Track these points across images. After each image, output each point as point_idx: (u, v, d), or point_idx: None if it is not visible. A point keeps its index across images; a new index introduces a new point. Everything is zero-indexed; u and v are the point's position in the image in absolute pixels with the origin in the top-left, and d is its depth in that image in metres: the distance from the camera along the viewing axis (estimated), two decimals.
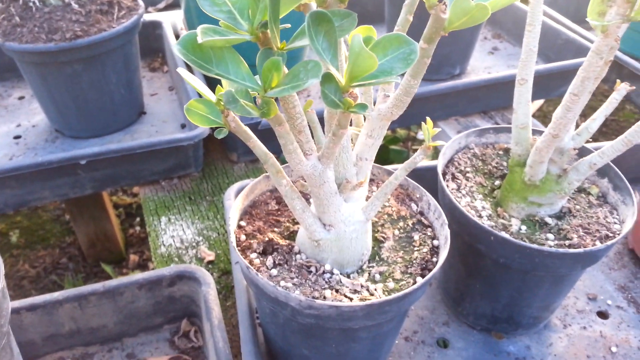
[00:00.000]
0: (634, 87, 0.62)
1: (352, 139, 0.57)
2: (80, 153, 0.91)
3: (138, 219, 1.72)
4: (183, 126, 1.12)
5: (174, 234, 0.90)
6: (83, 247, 1.55)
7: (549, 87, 1.20)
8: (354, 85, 0.40)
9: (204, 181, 1.02)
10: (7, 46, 0.94)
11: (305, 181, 0.53)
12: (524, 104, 0.63)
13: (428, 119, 0.52)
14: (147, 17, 1.31)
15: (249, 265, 0.53)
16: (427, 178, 0.73)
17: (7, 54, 0.98)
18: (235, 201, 0.60)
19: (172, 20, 1.37)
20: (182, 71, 0.47)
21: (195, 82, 0.46)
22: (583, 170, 0.61)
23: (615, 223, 0.64)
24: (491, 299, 0.68)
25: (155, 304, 0.69)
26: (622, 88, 0.59)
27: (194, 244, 0.88)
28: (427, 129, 0.51)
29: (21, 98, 1.24)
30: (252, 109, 0.41)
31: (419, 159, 0.52)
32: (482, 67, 1.36)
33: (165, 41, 1.27)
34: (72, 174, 0.94)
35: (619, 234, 0.61)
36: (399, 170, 0.54)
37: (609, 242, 0.58)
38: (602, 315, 0.77)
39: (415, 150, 1.96)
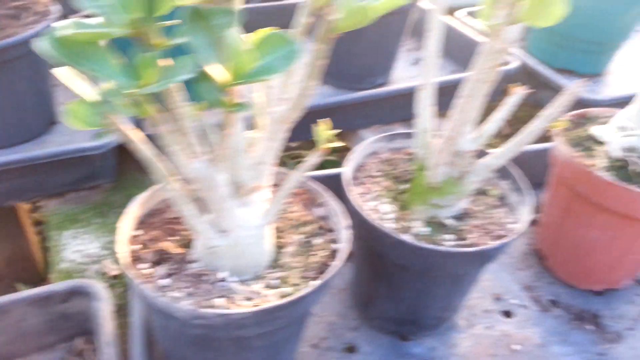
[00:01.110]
0: (534, 91, 0.64)
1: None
2: None
3: None
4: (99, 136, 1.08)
5: (78, 248, 0.86)
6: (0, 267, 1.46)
7: None
8: (235, 84, 0.39)
9: (115, 192, 0.98)
10: None
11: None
12: (425, 108, 0.64)
13: (321, 121, 0.52)
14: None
15: (133, 277, 0.50)
16: (339, 183, 0.73)
17: None
18: (129, 209, 0.58)
19: None
20: (58, 71, 0.44)
21: (72, 82, 0.44)
22: (480, 173, 0.63)
23: (512, 223, 0.66)
24: (395, 301, 0.68)
25: (48, 321, 0.65)
26: (517, 92, 0.62)
27: (98, 258, 0.84)
28: (320, 131, 0.51)
29: None
30: (127, 108, 0.39)
31: (314, 161, 0.52)
32: (406, 77, 1.38)
33: None
34: None
35: (514, 234, 0.63)
36: (295, 174, 0.53)
37: (502, 242, 0.60)
38: (507, 314, 0.79)
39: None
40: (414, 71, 1.43)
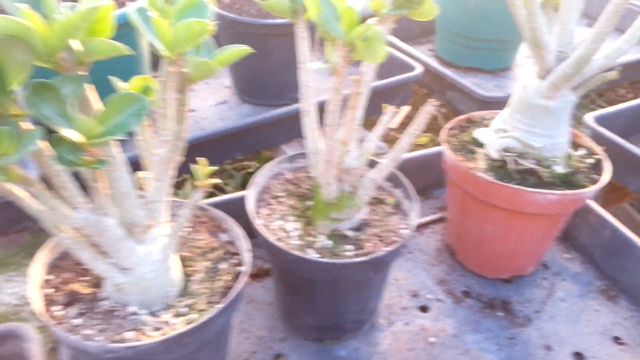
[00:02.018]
0: (399, 109, 0.70)
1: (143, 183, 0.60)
2: None
3: None
4: None
5: (12, 291, 0.88)
6: None
7: (379, 103, 1.30)
8: (93, 143, 0.43)
9: (43, 233, 0.99)
10: None
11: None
12: (311, 132, 0.70)
13: (200, 159, 0.56)
14: None
15: (46, 320, 0.54)
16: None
17: None
18: (38, 255, 0.61)
19: None
20: None
21: None
22: (367, 186, 0.69)
23: (404, 229, 0.71)
24: (312, 311, 0.73)
25: None
26: (388, 111, 0.67)
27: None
28: (198, 169, 0.55)
29: None
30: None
31: (198, 199, 0.56)
32: (323, 88, 1.44)
33: None
34: None
35: (403, 239, 0.68)
36: (184, 210, 0.57)
37: (392, 247, 0.65)
38: (423, 309, 0.85)
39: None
40: (329, 82, 1.48)
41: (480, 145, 0.81)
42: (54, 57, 0.44)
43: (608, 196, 1.16)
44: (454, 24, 1.37)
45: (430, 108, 0.61)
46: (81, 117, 0.40)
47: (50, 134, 0.43)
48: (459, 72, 1.36)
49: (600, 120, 1.05)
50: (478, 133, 0.82)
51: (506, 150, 0.76)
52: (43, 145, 0.45)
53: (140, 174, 0.60)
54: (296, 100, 1.35)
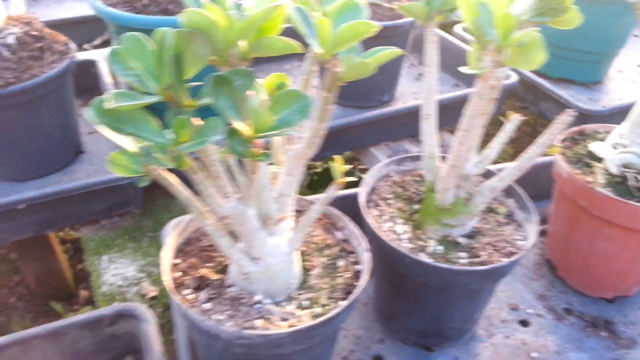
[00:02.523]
0: (526, 117, 0.69)
1: (273, 177, 0.62)
2: (18, 198, 0.91)
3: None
4: None
5: (116, 272, 0.92)
6: (31, 286, 1.52)
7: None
8: (257, 137, 0.45)
9: (145, 217, 1.04)
10: None
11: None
12: (430, 136, 0.69)
13: (336, 157, 0.57)
14: (82, 55, 1.33)
15: (180, 302, 0.56)
16: (353, 206, 0.78)
17: None
18: (168, 240, 0.64)
19: (107, 57, 1.38)
20: (104, 130, 0.50)
21: (116, 137, 0.49)
22: (486, 194, 0.68)
23: (520, 240, 0.70)
24: (417, 315, 0.73)
25: (98, 342, 0.70)
26: (514, 119, 0.66)
27: (136, 281, 0.90)
28: (335, 167, 0.56)
29: None
30: (167, 162, 0.45)
31: (333, 194, 0.57)
32: (409, 92, 1.44)
33: (100, 79, 1.29)
34: (10, 219, 0.94)
35: (523, 250, 0.67)
36: (316, 205, 0.58)
37: (512, 259, 0.65)
38: (524, 323, 0.83)
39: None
40: (417, 87, 1.48)
41: (597, 159, 0.78)
42: (226, 51, 0.46)
43: None
44: (548, 33, 1.33)
45: (566, 117, 0.59)
46: (260, 111, 0.41)
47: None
48: (550, 82, 1.33)
49: None
50: (595, 147, 0.79)
51: (626, 166, 0.74)
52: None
53: (271, 168, 0.62)
54: (383, 102, 1.36)
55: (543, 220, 1.01)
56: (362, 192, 0.75)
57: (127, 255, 0.95)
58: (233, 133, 0.43)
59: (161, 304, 0.86)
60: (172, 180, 0.51)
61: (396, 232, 0.72)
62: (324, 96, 0.51)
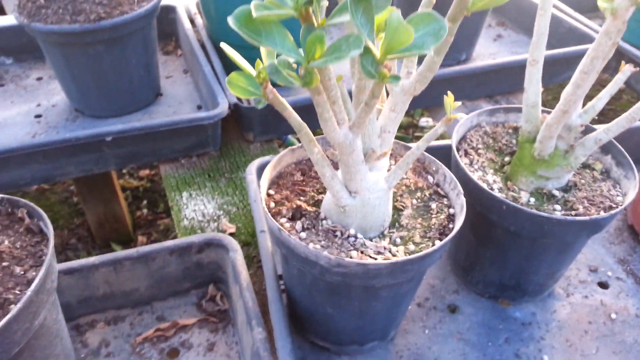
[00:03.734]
0: (638, 69, 0.66)
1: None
2: (106, 130, 0.95)
3: (145, 202, 1.76)
4: (199, 107, 1.16)
5: (196, 208, 0.94)
6: (92, 228, 1.59)
7: (552, 73, 1.24)
8: (389, 58, 0.44)
9: (222, 159, 1.06)
10: (33, 27, 0.98)
11: (335, 150, 0.57)
12: (535, 83, 0.67)
13: (449, 92, 0.56)
14: (162, 1, 1.34)
15: (281, 228, 0.57)
16: (440, 155, 0.77)
17: (31, 34, 1.02)
18: (265, 171, 0.64)
19: (185, 5, 1.40)
20: (225, 46, 0.51)
21: (237, 57, 0.50)
22: (589, 146, 0.66)
23: (617, 195, 0.68)
24: (500, 267, 0.73)
25: (185, 269, 0.73)
26: (626, 69, 0.64)
27: (215, 217, 0.92)
28: (448, 103, 0.55)
29: (39, 79, 1.27)
30: (294, 79, 0.45)
31: (441, 130, 0.56)
32: (487, 53, 1.40)
33: (179, 25, 1.30)
34: (97, 150, 0.97)
35: (621, 205, 0.65)
36: (421, 141, 0.58)
37: (612, 212, 0.63)
38: (603, 285, 0.81)
39: (418, 137, 2.01)
40: (494, 48, 1.44)
41: None
42: None
43: None
44: None
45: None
46: (403, 27, 0.41)
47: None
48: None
49: None
50: None
51: None
52: None
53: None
54: (460, 61, 1.33)
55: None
56: (453, 138, 0.74)
57: (206, 194, 0.97)
58: (367, 51, 0.43)
59: (239, 240, 0.88)
60: (287, 104, 0.51)
61: (487, 182, 0.71)
62: (449, 27, 0.50)
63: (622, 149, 0.71)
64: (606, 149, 0.73)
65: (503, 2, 0.47)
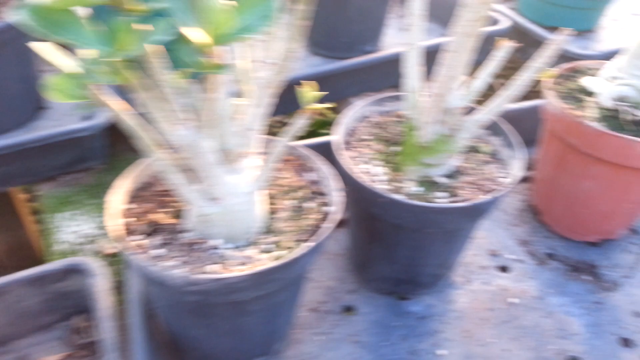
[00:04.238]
0: (521, 44, 0.64)
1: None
2: None
3: None
4: (86, 119, 1.07)
5: (74, 229, 0.86)
6: (1, 258, 1.46)
7: None
8: (213, 45, 0.39)
9: (108, 174, 0.98)
10: None
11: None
12: (413, 68, 0.64)
13: (305, 83, 0.51)
14: None
15: (127, 248, 0.50)
16: (330, 151, 0.73)
17: None
18: (120, 183, 0.58)
19: None
20: (34, 44, 0.44)
21: (51, 54, 0.43)
22: (470, 129, 0.63)
23: (503, 177, 0.66)
24: (391, 261, 0.69)
25: (45, 301, 0.65)
26: (505, 46, 0.61)
27: (94, 238, 0.84)
28: (303, 93, 0.51)
29: None
30: (105, 76, 0.39)
31: (300, 124, 0.52)
32: (396, 43, 1.37)
33: None
34: None
35: (506, 188, 0.63)
36: (283, 139, 0.53)
37: (493, 195, 0.60)
38: (503, 269, 0.80)
39: None
40: (404, 37, 1.42)
41: (589, 93, 0.74)
42: None
43: None
44: None
45: (561, 37, 0.54)
46: (219, 8, 0.35)
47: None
48: (542, 31, 1.27)
49: None
50: (587, 81, 0.74)
51: (621, 99, 0.69)
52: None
53: (235, 99, 0.56)
54: (367, 53, 1.29)
55: (528, 167, 0.97)
56: (337, 132, 0.69)
57: (87, 213, 0.89)
58: (183, 40, 0.37)
59: (119, 261, 0.80)
60: (117, 106, 0.45)
61: (372, 174, 0.67)
62: (297, 9, 0.45)
63: (509, 130, 0.69)
64: (494, 130, 0.71)
65: None
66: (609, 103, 0.70)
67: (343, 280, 0.76)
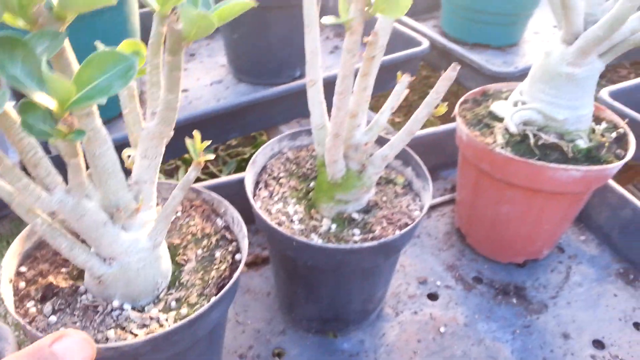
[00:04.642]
0: (414, 77, 0.64)
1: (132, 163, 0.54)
2: None
3: None
4: None
5: None
6: None
7: (383, 80, 1.23)
8: (66, 111, 0.36)
9: (6, 222, 0.93)
10: None
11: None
12: (317, 105, 0.63)
13: (195, 132, 0.50)
14: None
15: (18, 317, 0.47)
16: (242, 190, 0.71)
17: None
18: (13, 244, 0.54)
19: None
20: None
21: None
22: (378, 163, 0.62)
23: (416, 210, 0.65)
24: (314, 301, 0.67)
25: None
26: (403, 79, 0.61)
27: None
28: (192, 144, 0.49)
29: None
30: None
31: (192, 176, 0.50)
32: (324, 66, 1.38)
33: None
34: None
35: (417, 220, 0.62)
36: (176, 190, 0.51)
37: (403, 231, 0.59)
38: (432, 297, 0.79)
39: None
40: (332, 60, 1.42)
41: (498, 119, 0.74)
42: (28, 10, 0.36)
43: (619, 175, 1.11)
44: None
45: (452, 73, 0.54)
46: (55, 77, 0.33)
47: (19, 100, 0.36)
48: (465, 48, 1.30)
49: (616, 95, 0.99)
50: (495, 106, 0.75)
51: (526, 123, 0.70)
52: (12, 112, 0.38)
53: (127, 151, 0.54)
54: (295, 79, 1.29)
55: (452, 189, 0.98)
56: (249, 172, 0.68)
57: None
58: (30, 108, 0.35)
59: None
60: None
61: (287, 214, 0.65)
62: (168, 60, 0.43)
63: (419, 160, 0.69)
64: (407, 161, 0.71)
65: (210, 31, 0.41)
66: (514, 128, 0.71)
67: (271, 321, 0.74)
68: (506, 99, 0.80)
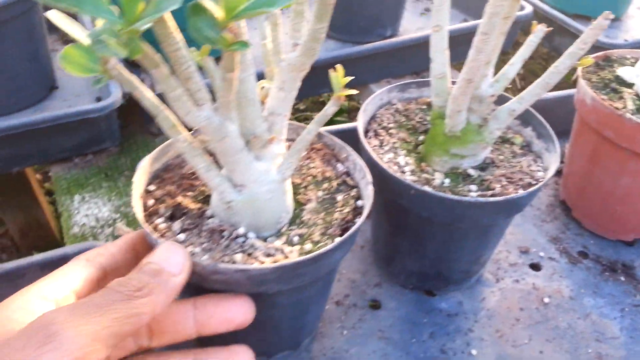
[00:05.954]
0: (551, 29, 0.60)
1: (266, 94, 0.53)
2: None
3: None
4: (98, 99, 1.04)
5: (89, 212, 0.84)
6: (15, 237, 1.45)
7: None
8: (231, 19, 0.35)
9: (122, 156, 0.95)
10: None
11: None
12: (441, 52, 0.60)
13: (338, 66, 0.48)
14: None
15: (149, 231, 0.48)
16: (354, 138, 0.70)
17: None
18: (142, 163, 0.55)
19: None
20: (52, 14, 0.41)
21: (66, 24, 0.40)
22: (503, 118, 0.59)
23: (539, 171, 0.62)
24: (419, 255, 0.66)
25: None
26: (539, 30, 0.57)
27: (110, 221, 0.82)
28: (335, 78, 0.47)
29: None
30: (120, 49, 0.36)
31: (331, 111, 0.49)
32: (414, 28, 1.34)
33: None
34: None
35: (542, 181, 0.59)
36: (312, 125, 0.50)
37: (530, 190, 0.57)
38: (535, 267, 0.76)
39: None
40: (423, 22, 1.38)
41: (627, 84, 0.70)
42: None
43: None
44: None
45: (603, 21, 0.50)
46: None
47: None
48: (566, 18, 1.23)
49: None
50: (624, 71, 0.70)
51: None
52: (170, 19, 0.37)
53: (263, 82, 0.53)
54: (385, 38, 1.25)
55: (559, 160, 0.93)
56: (360, 119, 0.66)
57: (102, 195, 0.87)
58: (198, 10, 0.34)
59: None
60: (137, 82, 0.42)
61: (399, 164, 0.64)
62: None
63: (543, 120, 0.65)
64: (526, 120, 0.67)
65: None
66: None
67: (366, 273, 0.73)
68: (632, 65, 0.75)
